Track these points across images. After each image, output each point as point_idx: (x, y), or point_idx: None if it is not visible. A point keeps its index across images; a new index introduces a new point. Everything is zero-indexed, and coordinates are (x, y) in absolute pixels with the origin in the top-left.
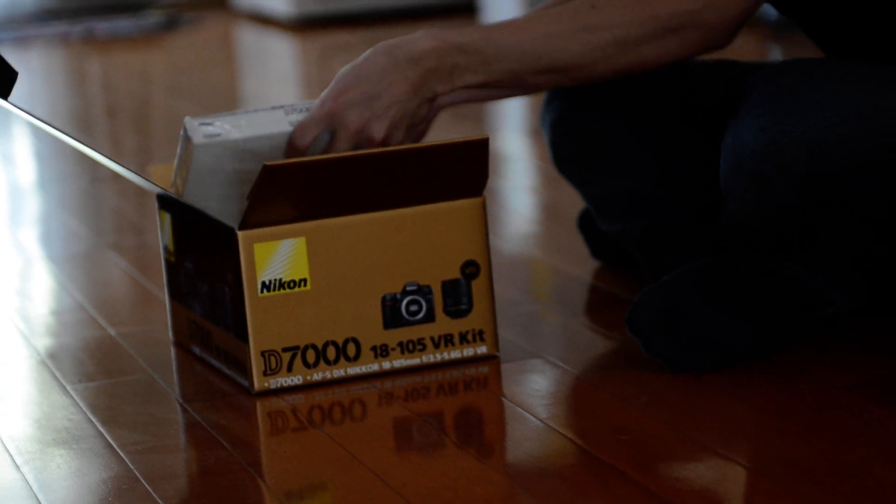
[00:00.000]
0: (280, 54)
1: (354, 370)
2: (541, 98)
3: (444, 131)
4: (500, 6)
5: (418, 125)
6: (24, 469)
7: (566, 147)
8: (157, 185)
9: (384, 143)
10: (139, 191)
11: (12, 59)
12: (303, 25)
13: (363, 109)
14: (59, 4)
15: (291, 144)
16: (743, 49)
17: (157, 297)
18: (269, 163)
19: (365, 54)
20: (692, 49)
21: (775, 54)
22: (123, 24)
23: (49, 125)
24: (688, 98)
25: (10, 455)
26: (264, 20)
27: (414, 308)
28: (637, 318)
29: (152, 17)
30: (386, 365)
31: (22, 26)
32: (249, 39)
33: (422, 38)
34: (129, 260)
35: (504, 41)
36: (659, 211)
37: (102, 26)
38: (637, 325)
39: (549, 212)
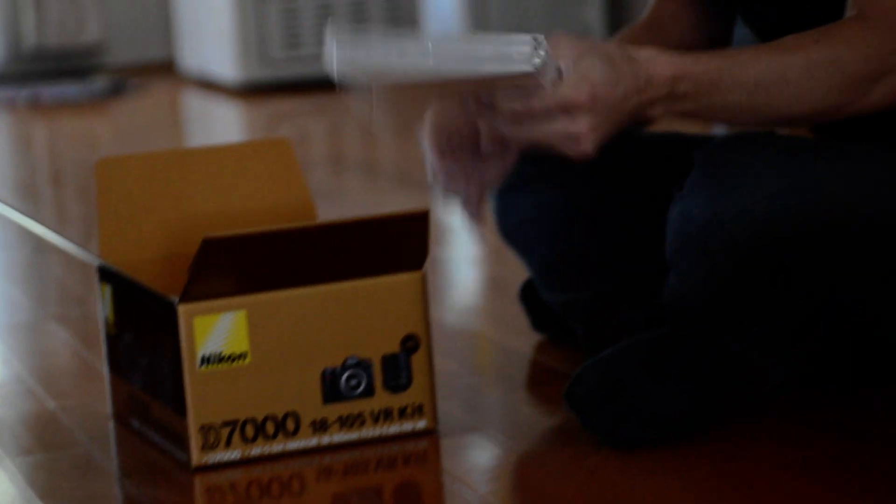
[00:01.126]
0: (226, 120)
1: (294, 445)
2: None
3: (385, 200)
4: None
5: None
6: None
7: (511, 214)
8: (95, 258)
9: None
10: (83, 261)
11: None
12: (249, 92)
13: (595, 114)
14: (5, 69)
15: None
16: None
17: (97, 370)
18: (208, 236)
19: (608, 51)
20: None
21: (720, 127)
22: (70, 89)
23: None
24: (634, 169)
25: None
26: (211, 86)
27: (354, 382)
28: (575, 394)
29: (99, 83)
30: (325, 439)
31: None
32: (196, 105)
33: (662, 63)
34: (71, 331)
35: (739, 78)
36: (602, 281)
37: (49, 91)
38: (575, 400)
39: (492, 284)
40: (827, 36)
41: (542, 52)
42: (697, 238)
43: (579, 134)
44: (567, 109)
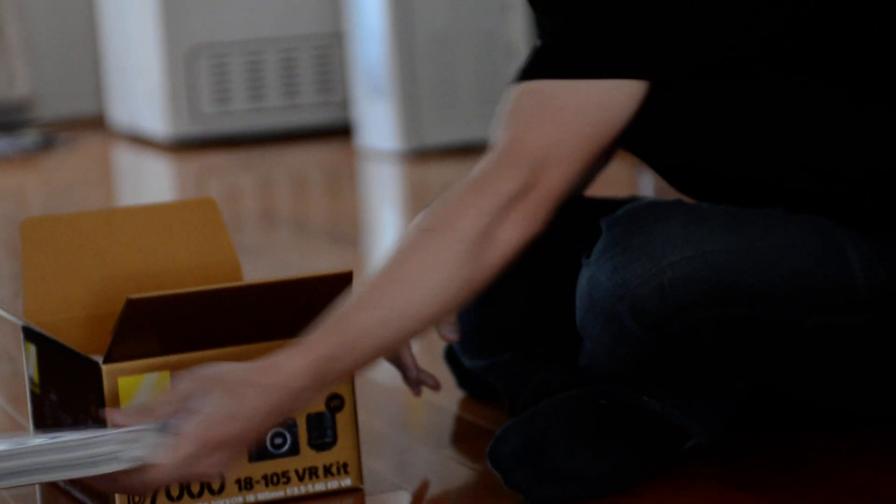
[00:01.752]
0: (156, 175)
1: (219, 503)
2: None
3: (315, 256)
4: (374, 129)
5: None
6: None
7: None
8: (20, 320)
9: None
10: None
11: None
12: (179, 146)
13: (217, 455)
14: None
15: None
16: (616, 176)
17: (24, 428)
18: (132, 296)
19: (235, 384)
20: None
21: (646, 184)
22: None
23: None
24: (547, 235)
25: None
26: (141, 141)
27: (279, 441)
28: (498, 452)
29: (29, 137)
30: (250, 498)
31: None
32: (126, 160)
33: (289, 358)
34: (0, 390)
35: (362, 322)
36: (521, 345)
37: None
38: (498, 458)
39: (418, 342)
40: (438, 217)
41: (135, 449)
42: (605, 305)
43: (208, 477)
44: (185, 472)
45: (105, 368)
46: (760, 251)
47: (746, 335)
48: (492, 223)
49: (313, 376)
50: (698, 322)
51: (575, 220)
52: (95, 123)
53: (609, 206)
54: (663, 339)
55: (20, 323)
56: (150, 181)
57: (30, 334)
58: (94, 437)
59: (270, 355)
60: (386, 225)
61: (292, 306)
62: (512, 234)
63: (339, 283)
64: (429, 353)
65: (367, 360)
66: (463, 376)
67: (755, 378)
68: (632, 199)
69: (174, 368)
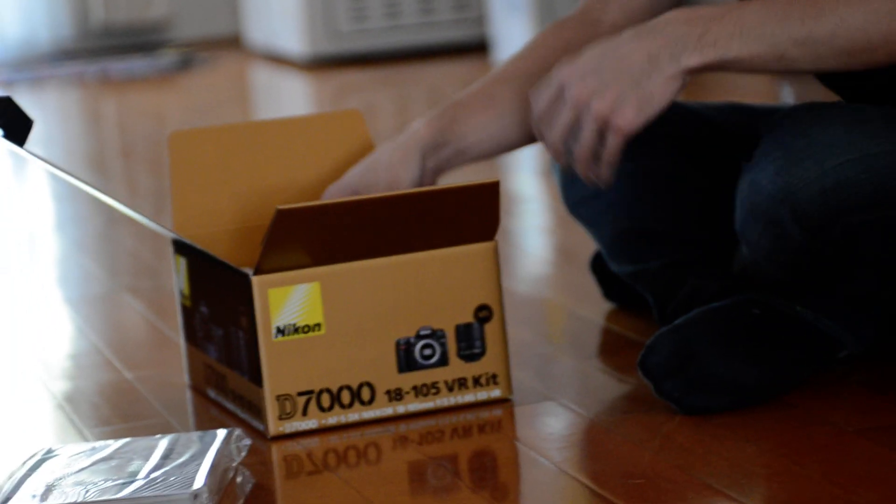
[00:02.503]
0: (294, 94)
1: (369, 414)
2: None
3: (455, 173)
4: (511, 45)
5: (654, 101)
6: None
7: (577, 189)
8: (170, 232)
9: (611, 118)
10: (155, 233)
11: (27, 100)
12: (316, 65)
13: (589, 80)
14: (75, 45)
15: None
16: (757, 90)
17: (172, 341)
18: (281, 207)
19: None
20: None
21: (787, 95)
22: (138, 64)
23: (64, 172)
24: (699, 141)
25: None
26: (278, 60)
27: (428, 352)
28: (649, 362)
29: (167, 58)
30: (400, 409)
31: (37, 67)
32: (263, 79)
33: (672, 13)
34: (145, 303)
35: (766, 10)
36: (670, 252)
37: (117, 67)
38: (649, 368)
39: (562, 253)
40: None
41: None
42: (767, 209)
43: (577, 102)
44: (549, 91)
45: (255, 280)
46: None
47: None
48: None
49: (685, 21)
50: (860, 225)
51: (729, 125)
52: (232, 43)
53: (760, 112)
54: (824, 242)
55: (171, 236)
56: (287, 100)
57: (180, 247)
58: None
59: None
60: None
61: (439, 216)
62: None
63: (486, 193)
64: (574, 263)
65: (739, 50)
66: (609, 287)
67: None
68: (782, 107)
69: (324, 280)
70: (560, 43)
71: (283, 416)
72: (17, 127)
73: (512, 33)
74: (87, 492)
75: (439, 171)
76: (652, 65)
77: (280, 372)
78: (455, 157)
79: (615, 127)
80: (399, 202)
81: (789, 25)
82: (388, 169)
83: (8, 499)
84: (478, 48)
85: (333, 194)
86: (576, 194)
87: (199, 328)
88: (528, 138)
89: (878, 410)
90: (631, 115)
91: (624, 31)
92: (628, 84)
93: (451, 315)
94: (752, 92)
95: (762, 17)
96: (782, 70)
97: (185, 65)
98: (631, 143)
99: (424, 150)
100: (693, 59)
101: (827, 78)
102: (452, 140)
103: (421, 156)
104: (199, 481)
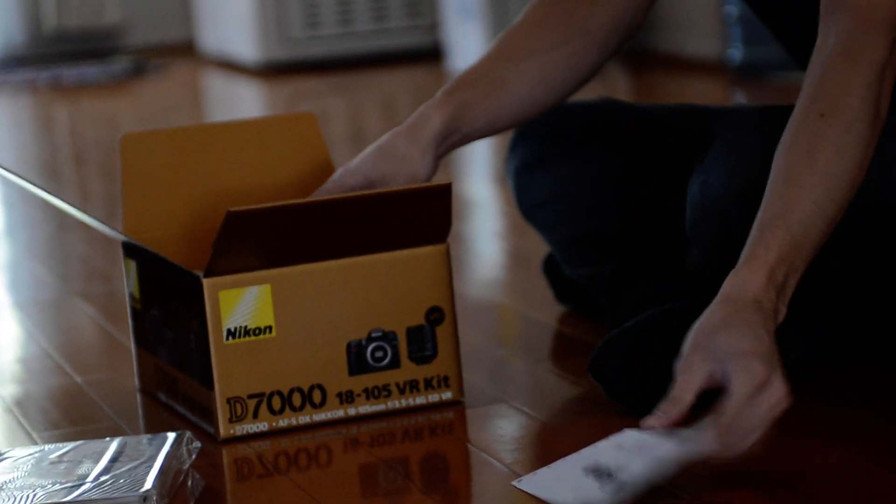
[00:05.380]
0: (247, 100)
1: (320, 416)
2: (507, 144)
3: None
4: (465, 51)
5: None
6: None
7: (530, 193)
8: (120, 234)
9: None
10: (106, 238)
11: None
12: (269, 72)
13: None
14: (27, 51)
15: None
16: (709, 93)
17: (123, 345)
18: (232, 209)
19: (724, 316)
20: None
21: (739, 98)
22: (91, 70)
23: (15, 175)
24: (651, 143)
25: None
26: (231, 66)
27: (379, 354)
28: (600, 365)
29: (120, 64)
30: (351, 411)
31: None
32: (216, 85)
33: (747, 278)
34: (96, 307)
35: (801, 216)
36: (623, 255)
37: (70, 73)
38: (600, 371)
39: (514, 257)
40: (824, 98)
41: None
42: (718, 210)
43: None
44: (755, 392)
45: (206, 282)
46: (880, 161)
47: (863, 249)
48: (876, 96)
49: (773, 286)
50: None
51: (682, 127)
52: (185, 50)
53: (714, 114)
54: None
55: (121, 239)
56: (240, 106)
57: (130, 250)
58: None
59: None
60: (475, 146)
61: (391, 219)
62: (886, 102)
63: (438, 196)
64: (527, 267)
65: (811, 255)
66: (561, 290)
67: (868, 295)
68: (737, 108)
69: (275, 282)
70: (560, 14)
71: (234, 418)
72: None
73: (465, 40)
74: (35, 495)
75: (445, 155)
76: (774, 359)
77: (231, 374)
78: (461, 141)
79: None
80: (351, 204)
81: (820, 204)
82: (404, 161)
83: None
84: (431, 55)
85: (343, 177)
86: (529, 199)
87: (150, 331)
88: (530, 117)
89: (827, 414)
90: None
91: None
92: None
93: (403, 317)
94: (704, 95)
95: (806, 223)
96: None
97: (138, 71)
98: (582, 147)
99: (438, 140)
100: (783, 312)
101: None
102: (463, 127)
103: (435, 147)
104: (149, 483)
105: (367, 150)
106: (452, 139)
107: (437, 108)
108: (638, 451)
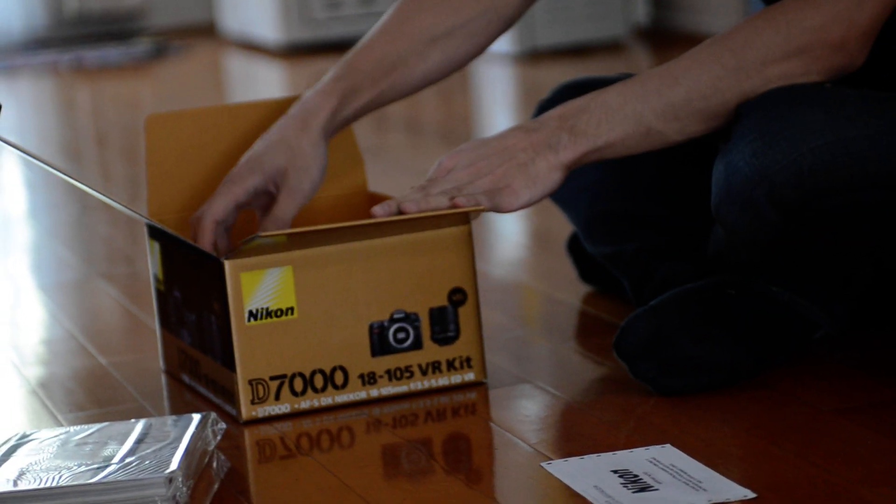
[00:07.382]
0: (268, 81)
1: (342, 398)
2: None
3: (430, 156)
4: None
5: (539, 182)
6: None
7: None
8: (143, 217)
9: (499, 192)
10: (129, 220)
11: (0, 89)
12: (291, 52)
13: (478, 164)
14: (48, 34)
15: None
16: None
17: (147, 326)
18: (262, 234)
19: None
20: (821, 70)
21: None
22: (112, 52)
23: (38, 159)
24: None
25: None
26: (253, 47)
27: (401, 336)
28: (624, 343)
29: (141, 46)
30: (374, 392)
31: (10, 55)
32: (238, 67)
33: (551, 111)
34: (120, 289)
35: (626, 90)
36: (647, 235)
37: (91, 55)
38: (624, 349)
39: (537, 237)
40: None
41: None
42: (743, 190)
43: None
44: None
45: (228, 264)
46: None
47: (884, 221)
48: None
49: (559, 117)
50: (836, 208)
51: None
52: (207, 31)
53: None
54: (800, 225)
55: (145, 221)
56: (262, 88)
57: (154, 232)
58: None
59: None
60: (498, 126)
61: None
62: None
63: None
64: (550, 247)
65: (609, 134)
66: (585, 269)
67: (888, 265)
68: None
69: (297, 264)
70: None
71: (256, 400)
72: None
73: None
74: (60, 476)
75: (336, 134)
76: (535, 153)
77: (252, 356)
78: (350, 120)
79: (502, 204)
80: (377, 228)
81: (649, 99)
82: (297, 154)
83: None
84: None
85: (243, 176)
86: None
87: (173, 313)
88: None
89: (854, 390)
90: (518, 189)
91: (506, 129)
92: (515, 167)
93: (425, 298)
94: None
95: (623, 97)
96: (658, 145)
97: (160, 53)
98: None
99: (327, 130)
100: (568, 154)
101: None
102: (350, 110)
103: (325, 137)
104: (174, 464)
105: (259, 143)
106: (341, 120)
107: (325, 95)
108: (670, 469)
